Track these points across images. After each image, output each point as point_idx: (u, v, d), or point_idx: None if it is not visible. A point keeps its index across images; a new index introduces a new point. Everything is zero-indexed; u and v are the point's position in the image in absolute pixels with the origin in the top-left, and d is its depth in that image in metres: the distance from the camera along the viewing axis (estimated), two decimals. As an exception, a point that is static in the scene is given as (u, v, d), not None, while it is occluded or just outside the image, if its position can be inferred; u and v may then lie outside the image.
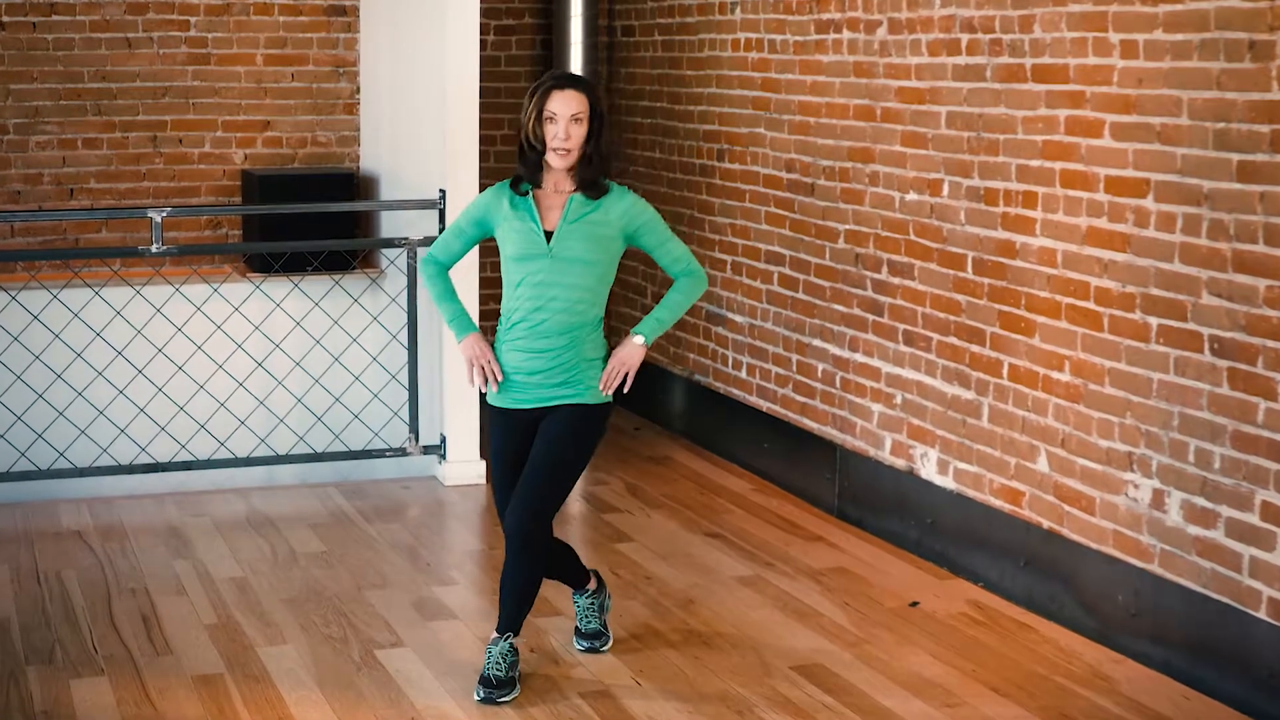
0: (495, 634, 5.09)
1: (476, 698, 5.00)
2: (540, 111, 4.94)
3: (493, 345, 5.13)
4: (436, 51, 7.27)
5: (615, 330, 8.74)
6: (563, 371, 5.02)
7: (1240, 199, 4.84)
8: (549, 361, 5.01)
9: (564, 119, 4.91)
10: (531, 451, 5.03)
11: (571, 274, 4.98)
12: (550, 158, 4.96)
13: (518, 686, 5.05)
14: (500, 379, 5.04)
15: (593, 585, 5.42)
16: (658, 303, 5.65)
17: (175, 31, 8.29)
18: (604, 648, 5.40)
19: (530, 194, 5.02)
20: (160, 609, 5.77)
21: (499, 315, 5.14)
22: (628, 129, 8.75)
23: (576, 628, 5.44)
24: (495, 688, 4.99)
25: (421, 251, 7.30)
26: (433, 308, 7.35)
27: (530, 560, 5.02)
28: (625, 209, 5.04)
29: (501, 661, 5.03)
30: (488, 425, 5.20)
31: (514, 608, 5.07)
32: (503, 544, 6.50)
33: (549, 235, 4.98)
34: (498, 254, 5.20)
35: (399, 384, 7.41)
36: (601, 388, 5.04)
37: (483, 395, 5.17)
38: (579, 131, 4.93)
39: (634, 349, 5.05)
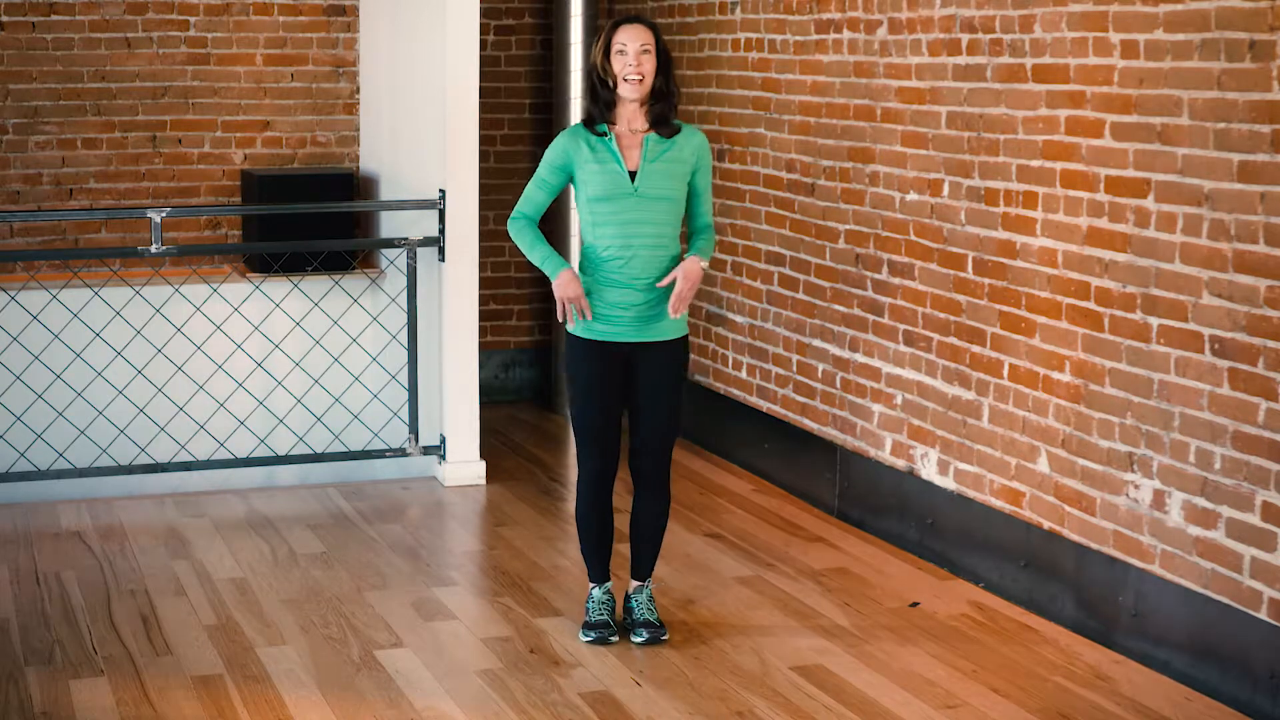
0: (634, 582, 5.45)
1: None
2: (609, 47, 5.14)
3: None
4: (436, 51, 7.27)
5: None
6: (654, 305, 5.19)
7: (1241, 199, 4.83)
8: (642, 296, 5.17)
9: (633, 50, 5.11)
10: (642, 397, 5.25)
11: (656, 211, 5.15)
12: (623, 89, 5.13)
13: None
14: (590, 316, 5.17)
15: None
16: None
17: (175, 31, 8.28)
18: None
19: (609, 134, 5.15)
20: (160, 609, 5.77)
21: (580, 254, 5.29)
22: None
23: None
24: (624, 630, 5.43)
25: (422, 251, 7.30)
26: (431, 307, 7.35)
27: (664, 502, 5.36)
28: (696, 146, 5.24)
29: (652, 605, 5.45)
30: (572, 357, 5.32)
31: (649, 551, 5.43)
32: (502, 545, 6.54)
33: (632, 175, 5.14)
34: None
35: (399, 384, 7.41)
36: (672, 311, 5.20)
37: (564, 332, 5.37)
38: (649, 62, 5.12)
39: (697, 265, 5.20)
